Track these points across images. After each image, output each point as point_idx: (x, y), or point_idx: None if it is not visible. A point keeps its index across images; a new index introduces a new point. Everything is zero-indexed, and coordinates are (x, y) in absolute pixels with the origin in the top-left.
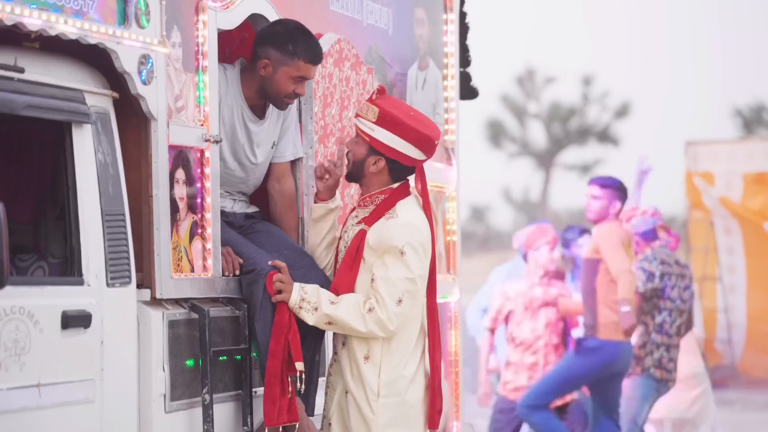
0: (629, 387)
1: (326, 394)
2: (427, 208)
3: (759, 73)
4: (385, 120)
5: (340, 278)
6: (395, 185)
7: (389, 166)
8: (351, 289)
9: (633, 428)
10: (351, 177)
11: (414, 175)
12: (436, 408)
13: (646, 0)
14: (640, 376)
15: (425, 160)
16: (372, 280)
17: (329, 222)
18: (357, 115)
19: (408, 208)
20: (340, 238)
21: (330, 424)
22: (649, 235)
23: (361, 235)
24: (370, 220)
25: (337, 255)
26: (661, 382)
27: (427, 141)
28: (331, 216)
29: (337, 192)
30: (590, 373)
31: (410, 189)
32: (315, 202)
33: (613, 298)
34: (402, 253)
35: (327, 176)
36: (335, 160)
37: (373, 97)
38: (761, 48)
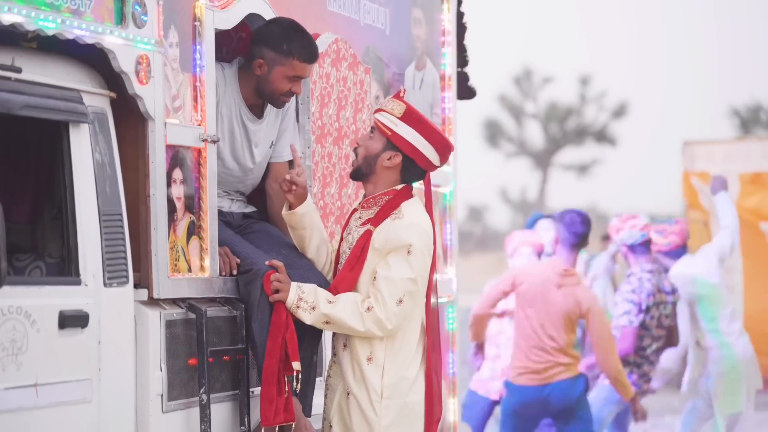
0: (595, 391)
1: (326, 396)
2: (429, 209)
3: (756, 73)
4: (410, 117)
5: (341, 278)
6: (399, 187)
7: (404, 164)
8: (351, 289)
9: (596, 428)
10: (358, 173)
11: (419, 181)
12: (434, 416)
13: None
14: (608, 386)
15: (439, 166)
16: (374, 278)
17: (307, 226)
18: (379, 110)
19: (413, 209)
20: (342, 239)
21: (331, 426)
22: (639, 250)
23: (366, 236)
24: (376, 220)
25: (338, 257)
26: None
27: (446, 146)
28: (306, 219)
29: (309, 195)
30: None
31: (413, 191)
32: (287, 210)
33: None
34: (408, 252)
35: (294, 187)
36: (295, 169)
37: (401, 94)
38: (759, 48)
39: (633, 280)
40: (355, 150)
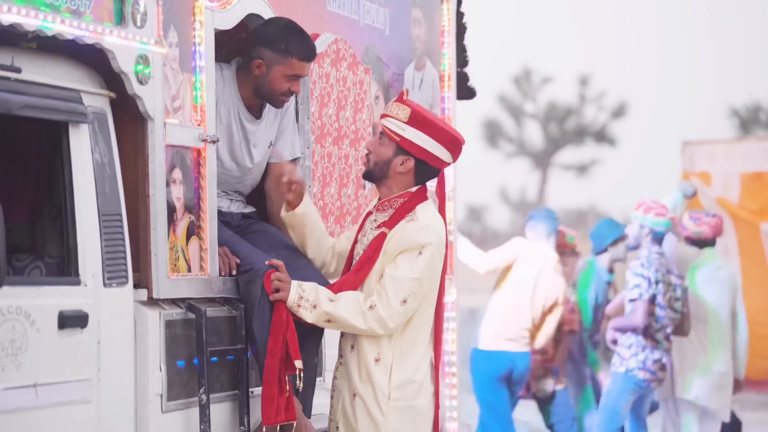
0: (610, 382)
1: (332, 398)
2: (443, 210)
3: (754, 72)
4: (417, 120)
5: (346, 279)
6: (414, 189)
7: (417, 167)
8: (354, 289)
9: (613, 418)
10: (371, 176)
11: (433, 179)
12: (439, 421)
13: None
14: (622, 374)
15: (452, 163)
16: (381, 277)
17: (307, 224)
18: (384, 115)
19: (428, 211)
20: (356, 241)
21: (337, 427)
22: (657, 236)
23: (380, 238)
24: (391, 223)
25: (351, 259)
26: (644, 382)
27: (456, 143)
28: (306, 218)
29: (307, 194)
30: None
31: (427, 193)
32: (286, 211)
33: None
34: (420, 253)
35: (293, 186)
36: (291, 172)
37: (404, 97)
38: (756, 47)
39: (641, 256)
40: (366, 156)
